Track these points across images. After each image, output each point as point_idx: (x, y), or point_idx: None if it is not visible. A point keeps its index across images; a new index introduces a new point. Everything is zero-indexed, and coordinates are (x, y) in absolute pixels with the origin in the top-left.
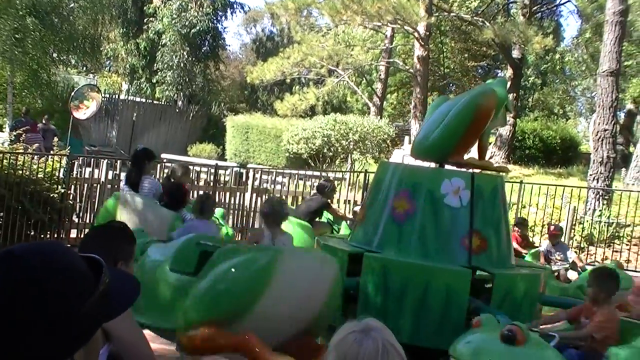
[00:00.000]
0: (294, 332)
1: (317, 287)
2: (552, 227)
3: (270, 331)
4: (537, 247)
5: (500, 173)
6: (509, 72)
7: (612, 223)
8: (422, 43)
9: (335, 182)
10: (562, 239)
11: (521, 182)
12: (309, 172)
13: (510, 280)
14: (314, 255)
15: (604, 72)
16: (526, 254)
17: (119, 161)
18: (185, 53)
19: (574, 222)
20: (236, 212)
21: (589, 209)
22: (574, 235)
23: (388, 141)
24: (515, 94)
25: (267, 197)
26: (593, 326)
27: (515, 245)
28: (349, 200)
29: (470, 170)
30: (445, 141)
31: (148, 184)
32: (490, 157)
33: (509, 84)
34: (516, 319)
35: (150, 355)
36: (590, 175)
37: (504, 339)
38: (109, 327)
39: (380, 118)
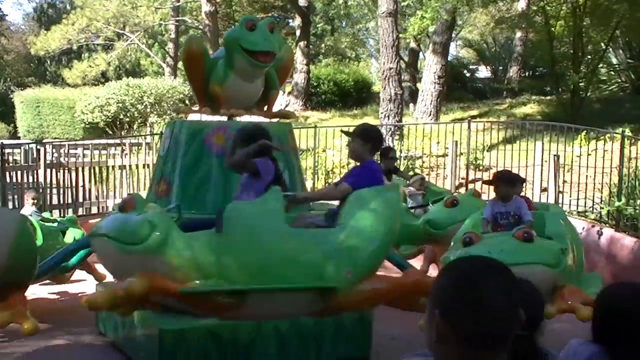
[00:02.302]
0: None
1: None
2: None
3: None
4: None
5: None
6: (297, 20)
7: (406, 156)
8: None
9: (135, 147)
10: None
11: (315, 127)
12: (103, 141)
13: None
14: None
15: (383, 13)
16: None
17: None
18: None
19: None
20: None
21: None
22: None
23: (185, 101)
24: (306, 42)
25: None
26: None
27: None
28: (148, 165)
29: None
30: (194, 93)
31: None
32: (287, 106)
33: (298, 31)
34: None
35: None
36: (381, 113)
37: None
38: None
39: (175, 78)
